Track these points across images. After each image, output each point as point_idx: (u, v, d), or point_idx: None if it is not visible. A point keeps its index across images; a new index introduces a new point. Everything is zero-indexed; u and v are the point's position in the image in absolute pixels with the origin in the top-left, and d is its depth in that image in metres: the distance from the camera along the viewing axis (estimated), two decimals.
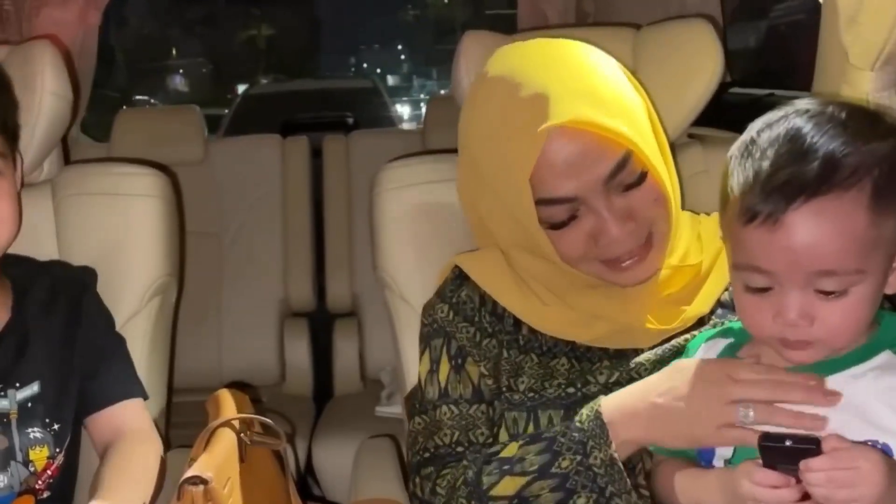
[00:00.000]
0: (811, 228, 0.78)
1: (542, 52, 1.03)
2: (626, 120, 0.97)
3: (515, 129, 0.97)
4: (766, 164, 0.80)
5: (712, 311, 1.05)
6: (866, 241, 0.78)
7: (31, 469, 1.16)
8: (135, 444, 1.20)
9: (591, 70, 1.00)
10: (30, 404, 1.17)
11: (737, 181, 0.83)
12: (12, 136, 1.22)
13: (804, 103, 0.85)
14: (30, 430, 1.17)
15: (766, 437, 0.79)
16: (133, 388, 1.27)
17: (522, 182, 0.96)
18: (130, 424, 1.23)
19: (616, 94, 0.99)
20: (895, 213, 0.80)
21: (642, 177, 0.98)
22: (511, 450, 0.98)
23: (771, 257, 0.80)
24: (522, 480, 0.96)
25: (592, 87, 0.97)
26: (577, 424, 0.94)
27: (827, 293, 0.79)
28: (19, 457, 1.15)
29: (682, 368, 0.91)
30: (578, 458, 0.93)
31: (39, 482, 1.16)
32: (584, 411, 0.95)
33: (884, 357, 0.83)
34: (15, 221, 1.19)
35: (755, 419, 0.83)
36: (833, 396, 0.81)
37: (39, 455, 1.17)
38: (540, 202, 0.98)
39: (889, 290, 0.83)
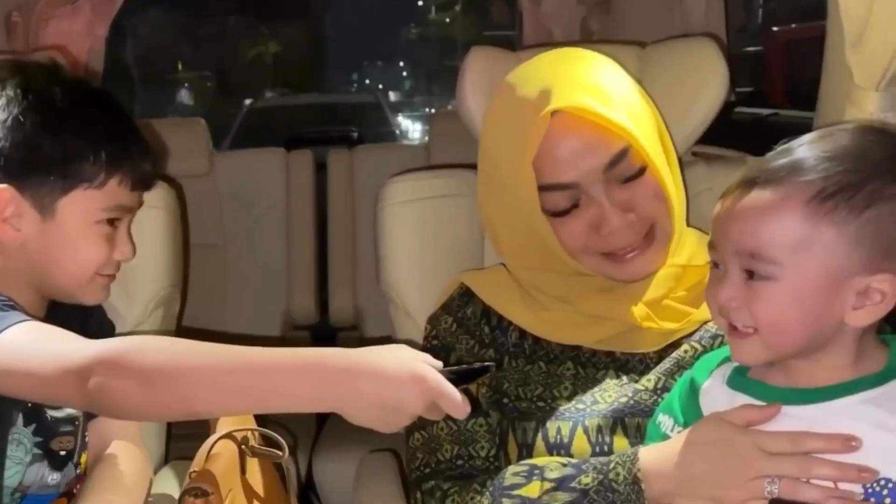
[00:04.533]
0: (749, 207, 0.83)
1: (552, 55, 1.10)
2: (628, 115, 1.01)
3: (521, 115, 1.02)
4: (773, 157, 0.86)
5: None
6: (793, 235, 0.81)
7: (78, 471, 1.17)
8: (124, 453, 1.20)
9: (596, 68, 1.06)
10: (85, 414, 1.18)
11: None
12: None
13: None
14: (85, 434, 1.18)
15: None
16: None
17: (526, 165, 1.01)
18: (119, 433, 1.22)
19: (619, 91, 1.03)
20: (835, 226, 0.80)
21: (641, 171, 1.02)
22: (532, 490, 0.95)
23: (717, 231, 0.87)
24: None
25: (596, 82, 1.03)
26: (613, 484, 0.91)
27: (750, 274, 0.83)
28: (76, 458, 1.16)
29: (710, 433, 0.87)
30: None
31: (78, 485, 1.17)
32: (621, 471, 0.91)
33: (892, 386, 0.83)
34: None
35: (781, 494, 0.82)
36: (867, 474, 0.80)
37: (84, 459, 1.18)
38: (543, 188, 1.02)
39: (855, 323, 0.82)
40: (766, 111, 1.86)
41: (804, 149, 0.84)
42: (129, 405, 0.87)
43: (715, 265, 0.88)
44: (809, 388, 0.85)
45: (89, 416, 1.20)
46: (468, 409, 0.86)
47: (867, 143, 0.83)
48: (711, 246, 0.88)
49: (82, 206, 1.12)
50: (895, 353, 0.85)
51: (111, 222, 1.16)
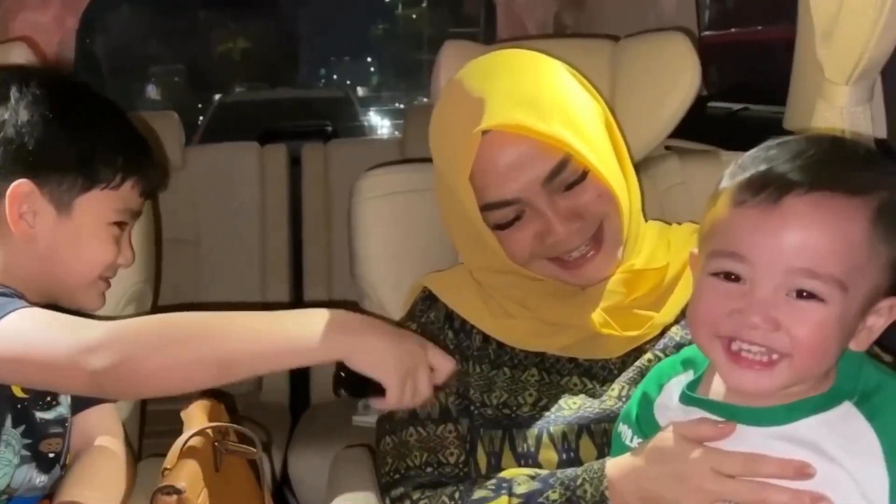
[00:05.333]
0: (808, 218, 0.74)
1: (493, 61, 1.07)
2: (565, 124, 0.99)
3: (456, 131, 1.02)
4: (783, 155, 0.77)
5: (677, 320, 1.05)
6: (858, 254, 0.74)
7: (63, 473, 1.16)
8: (104, 451, 1.19)
9: (533, 77, 1.03)
10: (71, 411, 1.19)
11: (740, 171, 0.79)
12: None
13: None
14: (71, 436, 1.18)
15: None
16: None
17: (463, 181, 1.01)
18: (100, 430, 1.22)
19: (557, 100, 1.01)
20: (887, 250, 0.75)
21: (584, 175, 1.01)
22: None
23: (756, 242, 0.75)
24: None
25: (531, 94, 1.01)
26: (581, 501, 0.91)
27: (800, 294, 0.74)
28: (62, 460, 1.16)
29: (667, 451, 0.85)
30: None
31: None
32: (588, 488, 0.91)
33: (843, 409, 0.79)
34: None
35: None
36: (823, 502, 0.76)
37: (69, 460, 1.18)
38: (485, 207, 1.02)
39: (857, 347, 0.78)
40: (736, 106, 1.87)
41: (841, 151, 0.78)
42: (148, 373, 0.89)
43: (728, 277, 0.78)
44: (762, 408, 0.80)
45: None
46: (451, 370, 0.94)
47: (878, 156, 0.80)
48: (737, 258, 0.76)
49: (98, 205, 1.16)
50: (843, 372, 0.80)
51: (120, 226, 1.19)
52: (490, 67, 1.05)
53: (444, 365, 0.96)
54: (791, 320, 0.75)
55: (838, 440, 0.77)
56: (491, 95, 1.00)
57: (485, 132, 0.99)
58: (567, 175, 1.00)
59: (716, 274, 0.78)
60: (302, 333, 0.91)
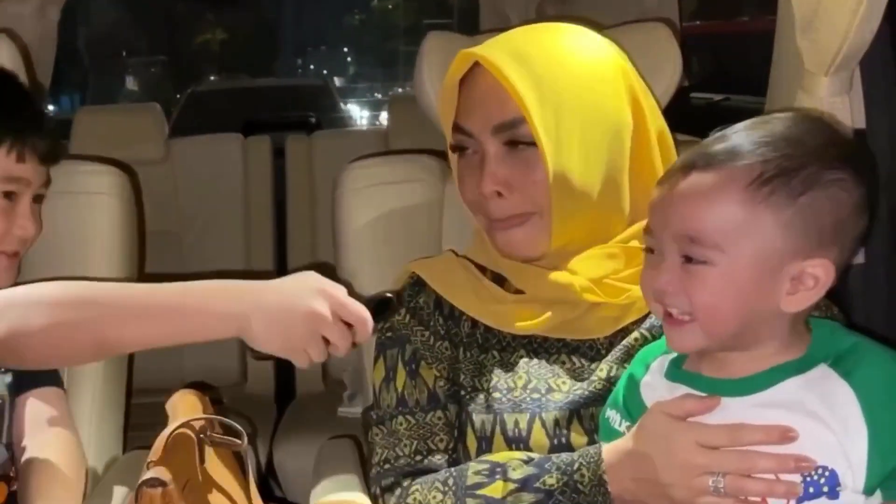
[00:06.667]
0: (688, 191, 0.84)
1: (534, 25, 1.12)
2: (537, 87, 1.00)
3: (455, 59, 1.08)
4: (703, 143, 0.88)
5: None
6: (732, 219, 0.81)
7: (8, 454, 1.15)
8: (56, 441, 1.19)
9: (547, 38, 1.06)
10: (9, 390, 1.17)
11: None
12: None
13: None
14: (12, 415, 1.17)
15: None
16: (50, 376, 1.25)
17: (451, 93, 1.07)
18: (46, 416, 1.21)
19: (547, 67, 1.02)
20: (772, 211, 0.81)
21: (530, 145, 1.01)
22: (496, 490, 0.96)
23: (654, 216, 0.87)
24: None
25: (527, 49, 1.03)
26: (578, 486, 0.92)
27: (688, 259, 0.83)
28: (3, 439, 1.15)
29: (653, 431, 0.87)
30: None
31: (14, 469, 1.16)
32: (586, 472, 0.92)
33: (820, 370, 0.83)
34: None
35: (726, 490, 0.82)
36: (805, 463, 0.80)
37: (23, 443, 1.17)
38: (454, 128, 1.08)
39: (789, 308, 0.83)
40: (718, 96, 1.89)
41: (742, 135, 0.85)
42: (32, 347, 0.88)
43: (649, 251, 0.88)
44: (743, 378, 0.85)
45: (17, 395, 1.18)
46: (370, 327, 0.94)
47: (804, 129, 0.84)
48: (647, 231, 0.88)
49: None
50: (817, 337, 0.86)
51: (7, 195, 1.15)
52: (523, 28, 1.11)
53: (360, 320, 0.95)
54: (689, 283, 0.83)
55: (819, 398, 0.82)
56: (500, 37, 1.07)
57: (476, 65, 1.05)
58: (516, 132, 1.01)
59: (646, 248, 0.90)
60: (199, 309, 0.91)
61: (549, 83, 1.01)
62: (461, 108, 1.07)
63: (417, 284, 1.13)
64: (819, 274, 0.82)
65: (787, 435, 0.81)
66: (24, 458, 1.17)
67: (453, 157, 1.10)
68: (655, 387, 0.92)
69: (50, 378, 1.25)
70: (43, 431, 1.19)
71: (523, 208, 1.04)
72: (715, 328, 0.84)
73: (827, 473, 0.81)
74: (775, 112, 0.91)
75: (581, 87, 1.02)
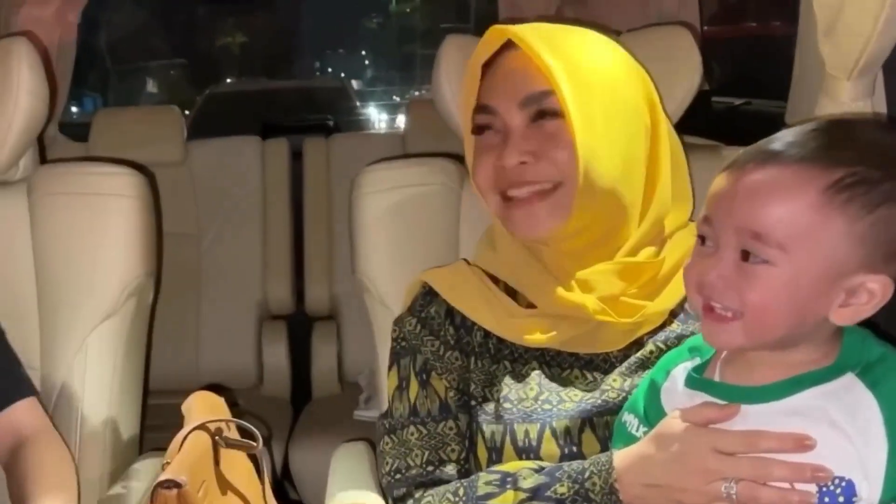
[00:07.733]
0: (759, 183, 0.80)
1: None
2: (570, 71, 0.99)
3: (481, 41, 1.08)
4: (775, 137, 0.83)
5: (676, 314, 1.05)
6: (802, 221, 0.78)
7: None
8: (42, 450, 1.18)
9: (573, 32, 1.06)
10: None
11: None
12: None
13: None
14: None
15: None
16: (21, 388, 1.25)
17: (474, 76, 1.07)
18: (29, 426, 1.21)
19: (575, 51, 1.02)
20: (846, 220, 0.78)
21: (557, 117, 1.00)
22: (507, 500, 0.95)
23: (716, 205, 0.83)
24: None
25: (553, 33, 1.04)
26: (590, 494, 0.91)
27: (746, 256, 0.79)
28: None
29: (670, 436, 0.87)
30: None
31: None
32: (597, 480, 0.91)
33: (845, 380, 0.81)
34: None
35: (739, 497, 0.81)
36: (822, 473, 0.79)
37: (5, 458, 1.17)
38: (477, 109, 1.06)
39: (838, 320, 0.81)
40: (739, 100, 1.87)
41: (824, 134, 0.81)
42: None
43: (702, 240, 0.84)
44: (764, 386, 0.83)
45: None
46: None
47: (890, 140, 0.82)
48: (706, 220, 0.83)
49: None
50: (847, 346, 0.83)
51: None
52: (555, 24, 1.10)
53: None
54: (742, 281, 0.80)
55: (840, 408, 0.80)
56: (527, 24, 1.05)
57: (502, 49, 1.05)
58: (544, 103, 1.01)
59: (699, 237, 0.85)
60: None
61: (578, 65, 1.01)
62: (484, 89, 1.06)
63: (429, 294, 1.13)
64: (876, 290, 0.79)
65: (802, 443, 0.79)
66: (14, 469, 1.17)
67: (470, 141, 1.09)
68: (675, 394, 0.91)
69: (18, 391, 1.24)
70: (28, 443, 1.19)
71: (548, 176, 1.01)
72: (760, 330, 0.81)
73: (843, 484, 0.79)
74: (822, 117, 0.89)
75: (608, 78, 1.03)
